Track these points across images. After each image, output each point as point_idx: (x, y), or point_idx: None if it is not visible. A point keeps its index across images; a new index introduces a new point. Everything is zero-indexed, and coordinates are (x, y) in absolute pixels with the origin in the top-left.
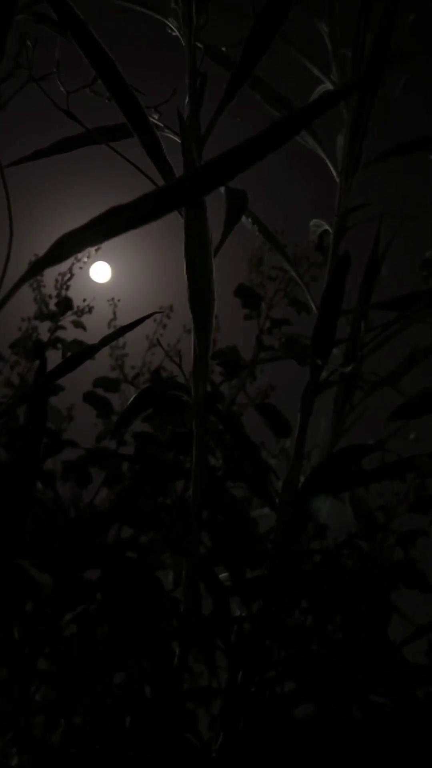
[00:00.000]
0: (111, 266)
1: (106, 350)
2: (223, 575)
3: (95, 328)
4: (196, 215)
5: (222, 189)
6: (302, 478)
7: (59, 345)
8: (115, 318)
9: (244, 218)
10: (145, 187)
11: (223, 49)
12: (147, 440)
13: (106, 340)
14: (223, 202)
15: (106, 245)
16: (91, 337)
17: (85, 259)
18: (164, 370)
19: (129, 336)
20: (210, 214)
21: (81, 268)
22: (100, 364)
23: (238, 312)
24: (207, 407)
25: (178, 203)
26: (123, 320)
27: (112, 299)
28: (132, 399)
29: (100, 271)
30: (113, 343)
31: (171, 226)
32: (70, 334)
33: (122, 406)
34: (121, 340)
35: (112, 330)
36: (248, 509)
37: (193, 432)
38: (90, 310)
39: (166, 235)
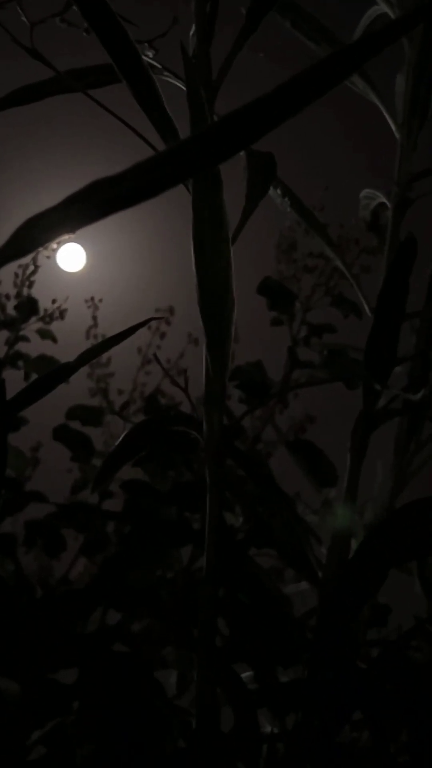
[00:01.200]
0: (85, 249)
1: (84, 369)
2: (246, 675)
3: (67, 335)
4: (209, 190)
5: (242, 152)
6: (354, 543)
7: (20, 363)
8: (95, 325)
9: (271, 190)
10: (141, 153)
11: None
12: (141, 492)
13: (85, 357)
14: (242, 169)
15: None
16: (62, 349)
17: (54, 246)
18: (163, 395)
19: (115, 348)
20: (226, 185)
21: (48, 257)
22: (76, 388)
23: (263, 315)
24: (223, 447)
25: (183, 174)
26: (105, 324)
27: (91, 300)
28: (121, 438)
29: (72, 257)
30: (94, 360)
31: (168, 193)
32: (35, 347)
33: (106, 444)
34: (104, 355)
35: (92, 341)
36: (280, 585)
37: (204, 480)
38: (62, 314)
39: (160, 205)
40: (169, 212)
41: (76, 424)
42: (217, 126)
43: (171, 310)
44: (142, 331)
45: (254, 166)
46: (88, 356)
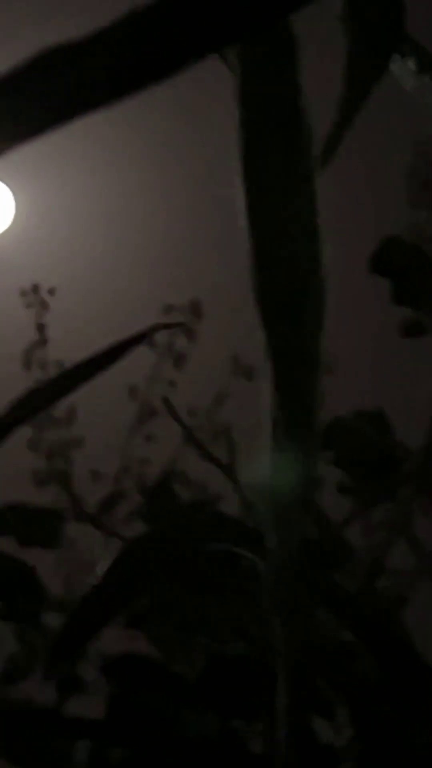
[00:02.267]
0: (15, 193)
1: (24, 431)
2: None
3: None
4: (272, 63)
5: None
6: None
7: None
8: (42, 341)
9: (397, 62)
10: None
11: None
12: (142, 679)
13: (26, 409)
14: (330, 24)
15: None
16: None
17: None
18: (184, 481)
19: (87, 390)
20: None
21: None
22: (10, 468)
23: (383, 315)
24: (311, 583)
25: (222, 35)
26: (62, 337)
27: (34, 290)
28: (104, 573)
29: None
30: (43, 413)
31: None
32: None
33: (69, 582)
34: (64, 404)
35: (37, 374)
36: None
37: (268, 654)
38: None
39: (161, 95)
40: (178, 107)
41: (8, 544)
42: None
43: (195, 308)
44: (140, 354)
45: (360, 14)
46: (33, 406)
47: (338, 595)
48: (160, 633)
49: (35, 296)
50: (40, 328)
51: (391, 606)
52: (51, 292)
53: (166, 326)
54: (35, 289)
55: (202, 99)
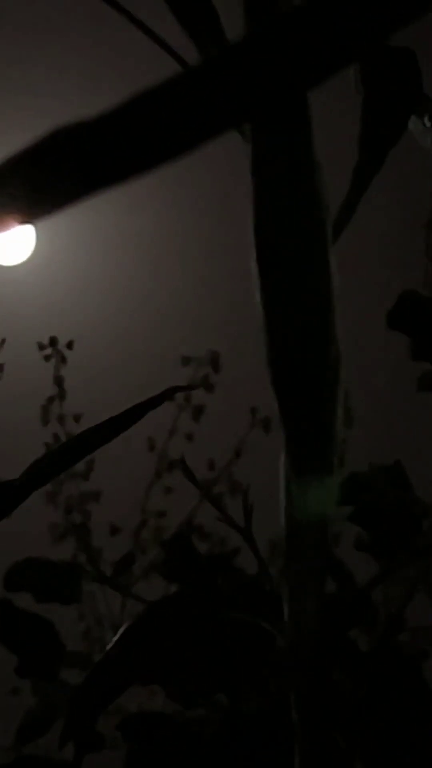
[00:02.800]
0: (36, 229)
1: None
2: None
3: (5, 415)
4: (289, 143)
5: None
6: None
7: None
8: (60, 395)
9: (414, 121)
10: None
11: None
12: (161, 737)
13: (44, 470)
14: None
15: None
16: None
17: None
18: (202, 534)
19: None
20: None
21: None
22: (27, 522)
23: (400, 370)
24: (327, 647)
25: (238, 114)
26: (77, 385)
27: (51, 345)
28: (120, 633)
29: (14, 243)
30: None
31: None
32: None
33: (89, 638)
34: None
35: (55, 429)
36: None
37: (287, 713)
38: None
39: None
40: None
41: (24, 600)
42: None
43: (214, 361)
44: (159, 407)
45: (375, 77)
46: (51, 466)
47: (353, 656)
48: (178, 689)
49: (53, 349)
50: (58, 382)
51: (412, 661)
52: (69, 345)
53: (182, 389)
54: (52, 342)
55: (222, 167)
